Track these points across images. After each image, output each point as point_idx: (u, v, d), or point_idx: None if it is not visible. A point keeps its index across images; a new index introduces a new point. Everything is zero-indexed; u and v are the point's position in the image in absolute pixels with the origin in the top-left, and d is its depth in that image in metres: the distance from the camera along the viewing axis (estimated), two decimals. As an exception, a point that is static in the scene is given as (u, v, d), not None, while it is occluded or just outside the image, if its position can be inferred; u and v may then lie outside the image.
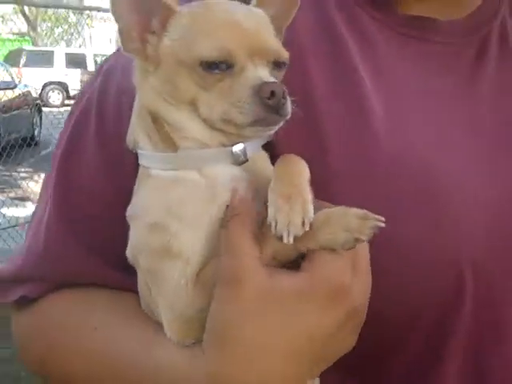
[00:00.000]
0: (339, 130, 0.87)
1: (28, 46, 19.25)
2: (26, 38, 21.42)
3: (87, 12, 9.67)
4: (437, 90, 0.94)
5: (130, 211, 0.81)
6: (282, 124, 0.78)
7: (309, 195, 0.73)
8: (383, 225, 0.70)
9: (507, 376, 0.89)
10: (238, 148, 0.79)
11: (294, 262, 0.75)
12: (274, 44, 0.79)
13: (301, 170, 0.76)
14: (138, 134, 0.83)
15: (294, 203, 0.71)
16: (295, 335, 0.73)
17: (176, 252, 0.75)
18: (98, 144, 0.91)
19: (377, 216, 0.71)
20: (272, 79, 0.76)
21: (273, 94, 0.73)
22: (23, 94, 12.14)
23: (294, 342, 0.73)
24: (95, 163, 0.91)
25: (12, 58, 17.26)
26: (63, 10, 9.36)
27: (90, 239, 0.90)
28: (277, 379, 0.74)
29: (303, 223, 0.70)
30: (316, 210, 0.73)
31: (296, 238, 0.71)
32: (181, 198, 0.77)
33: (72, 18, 11.08)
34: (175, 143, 0.80)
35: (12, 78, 12.49)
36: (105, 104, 0.92)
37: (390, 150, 0.86)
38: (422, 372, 0.89)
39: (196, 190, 0.77)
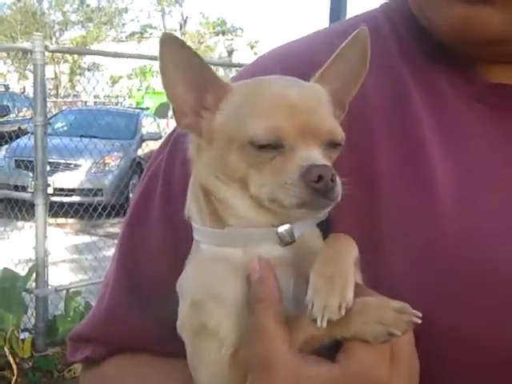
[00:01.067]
0: (399, 213, 0.83)
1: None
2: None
3: (235, 68, 9.96)
4: None
5: (178, 285, 0.81)
6: (330, 207, 0.75)
7: (351, 278, 0.70)
8: (419, 321, 0.67)
9: None
10: (283, 229, 0.77)
11: (328, 349, 0.72)
12: (329, 124, 0.76)
13: (348, 251, 0.74)
14: (191, 207, 0.83)
15: (334, 286, 0.69)
16: None
17: (212, 332, 0.75)
18: (163, 214, 0.93)
19: (414, 311, 0.68)
20: (322, 161, 0.74)
21: (320, 177, 0.71)
22: (167, 145, 12.56)
23: None
24: (159, 231, 0.93)
25: (162, 111, 18.03)
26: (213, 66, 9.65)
27: (149, 307, 0.91)
28: None
29: (340, 307, 0.68)
30: (358, 295, 0.70)
31: (330, 323, 0.68)
32: (220, 277, 0.76)
33: (221, 72, 11.47)
34: (223, 220, 0.79)
35: (159, 129, 12.98)
36: (171, 174, 0.93)
37: (453, 240, 0.81)
38: None
39: (236, 271, 0.76)
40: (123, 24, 35.92)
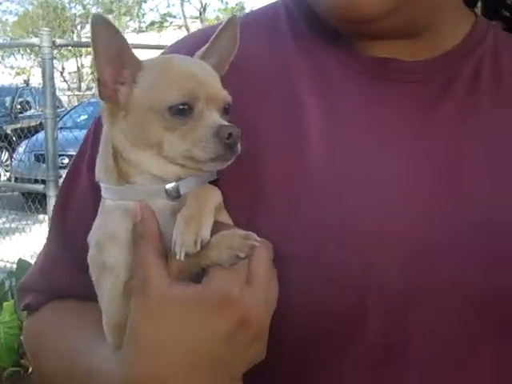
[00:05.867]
0: (277, 169, 0.95)
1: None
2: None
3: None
4: (387, 125, 0.97)
5: (89, 236, 0.94)
6: (233, 159, 0.89)
7: (208, 219, 0.84)
8: (258, 244, 0.81)
9: None
10: (170, 186, 0.90)
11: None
12: (224, 93, 0.91)
13: (208, 197, 0.87)
14: (99, 169, 0.96)
15: (191, 226, 0.82)
16: (189, 340, 0.83)
17: (109, 267, 0.89)
18: (88, 180, 1.04)
19: (256, 237, 0.82)
20: (227, 123, 0.88)
21: (230, 134, 0.86)
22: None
23: (189, 346, 0.83)
24: (85, 194, 1.06)
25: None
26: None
27: (76, 257, 1.01)
28: (179, 382, 0.83)
29: (196, 243, 0.81)
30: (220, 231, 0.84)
31: (192, 256, 0.82)
32: (116, 222, 0.90)
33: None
34: (128, 177, 0.91)
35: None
36: (96, 146, 0.99)
37: (323, 190, 0.92)
38: None
39: (128, 216, 0.90)
40: (143, 14, 36.06)
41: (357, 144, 0.96)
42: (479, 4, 1.23)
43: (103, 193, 0.94)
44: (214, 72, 0.94)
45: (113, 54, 0.89)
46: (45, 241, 1.16)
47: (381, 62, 1.01)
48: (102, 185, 0.95)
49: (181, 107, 0.87)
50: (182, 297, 0.84)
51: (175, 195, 0.90)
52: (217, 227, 0.85)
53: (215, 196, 0.89)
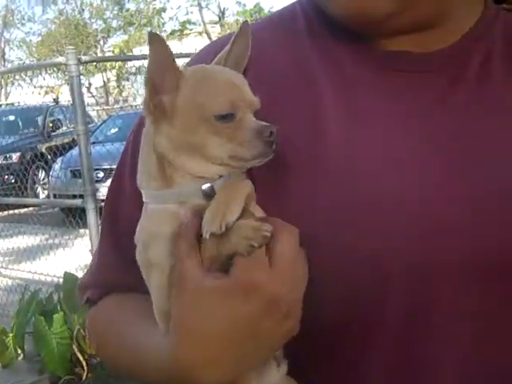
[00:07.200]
0: (295, 157, 1.02)
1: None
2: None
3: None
4: (402, 114, 1.03)
5: (135, 237, 1.04)
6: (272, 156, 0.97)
7: (236, 206, 0.92)
8: (269, 234, 0.89)
9: (433, 372, 0.98)
10: (205, 186, 0.97)
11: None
12: (256, 99, 1.00)
13: (239, 188, 0.96)
14: (141, 175, 1.04)
15: (220, 209, 0.91)
16: (224, 321, 0.92)
17: (154, 263, 0.99)
18: (131, 185, 1.11)
19: (268, 227, 0.89)
20: (264, 123, 0.97)
21: (271, 133, 0.95)
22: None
23: (224, 326, 0.92)
24: (129, 200, 1.14)
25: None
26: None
27: (128, 255, 1.08)
28: (218, 361, 0.93)
29: (221, 225, 0.89)
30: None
31: (217, 241, 0.90)
32: (160, 223, 0.99)
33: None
34: (172, 181, 0.99)
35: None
36: (136, 151, 1.07)
37: (337, 174, 0.99)
38: (348, 360, 1.02)
39: (171, 217, 0.98)
40: (163, 23, 36.39)
41: (372, 132, 1.02)
42: None
43: (145, 198, 1.03)
44: (245, 79, 1.01)
45: (163, 67, 0.96)
46: (88, 253, 1.24)
47: (393, 55, 1.06)
48: (143, 191, 1.03)
49: (226, 114, 0.95)
50: (213, 287, 0.92)
51: (211, 194, 0.98)
52: (245, 216, 0.92)
53: (246, 186, 0.97)
